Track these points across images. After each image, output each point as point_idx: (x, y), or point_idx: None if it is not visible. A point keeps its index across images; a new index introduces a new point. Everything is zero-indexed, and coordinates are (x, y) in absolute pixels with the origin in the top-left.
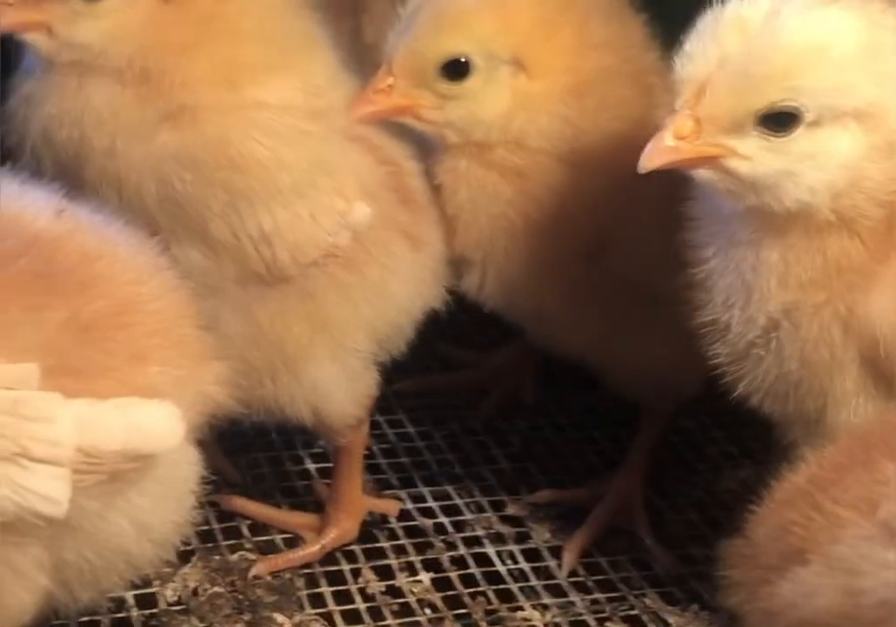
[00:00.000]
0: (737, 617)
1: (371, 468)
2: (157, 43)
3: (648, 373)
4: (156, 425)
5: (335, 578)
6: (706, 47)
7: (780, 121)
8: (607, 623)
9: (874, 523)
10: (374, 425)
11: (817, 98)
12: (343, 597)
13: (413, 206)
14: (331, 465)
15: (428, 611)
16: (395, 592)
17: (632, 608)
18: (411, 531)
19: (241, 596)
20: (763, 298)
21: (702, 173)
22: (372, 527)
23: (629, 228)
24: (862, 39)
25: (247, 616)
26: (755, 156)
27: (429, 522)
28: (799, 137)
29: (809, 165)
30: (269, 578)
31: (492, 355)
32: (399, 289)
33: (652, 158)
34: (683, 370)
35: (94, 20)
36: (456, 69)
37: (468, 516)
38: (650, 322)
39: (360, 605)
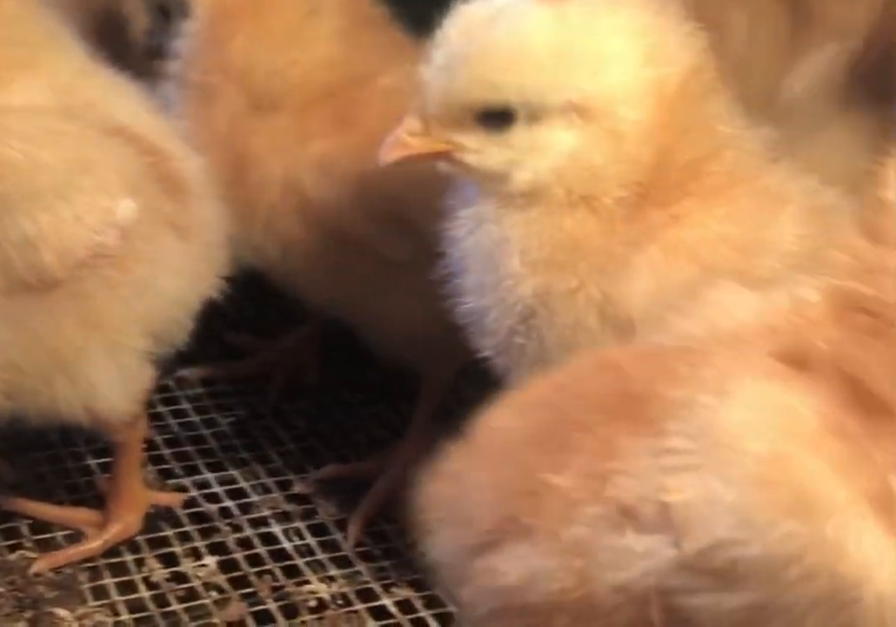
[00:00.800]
0: (445, 582)
1: (154, 459)
2: None
3: (410, 338)
4: None
5: (119, 569)
6: (436, 49)
7: (496, 117)
8: (392, 589)
9: (604, 501)
10: (156, 416)
11: (522, 95)
12: (127, 587)
13: (180, 195)
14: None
15: (214, 593)
16: (180, 578)
17: (417, 571)
18: (196, 518)
19: (21, 594)
20: (513, 279)
21: (441, 165)
22: (156, 517)
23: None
24: (569, 36)
25: (28, 613)
26: (481, 149)
27: (214, 507)
28: (518, 132)
29: (533, 157)
30: (51, 574)
31: (274, 341)
32: (171, 282)
33: (387, 154)
34: (447, 338)
35: None
36: None
37: (254, 498)
38: (406, 291)
39: (145, 594)
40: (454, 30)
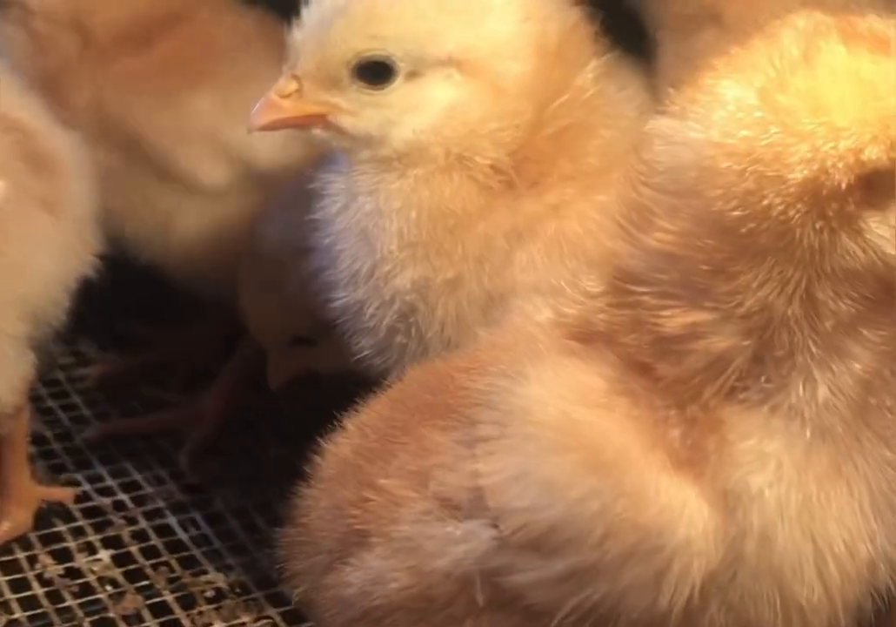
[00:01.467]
0: (308, 608)
1: (45, 454)
2: None
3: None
4: None
5: (10, 567)
6: (309, 9)
7: (374, 73)
8: None
9: (428, 497)
10: (47, 411)
11: (403, 47)
12: (20, 585)
13: (48, 171)
14: None
15: (109, 588)
16: (74, 573)
17: None
18: (90, 512)
19: None
20: (390, 265)
21: (316, 133)
22: (48, 512)
23: None
24: None
25: None
26: (357, 111)
27: (107, 500)
28: (398, 89)
29: (411, 115)
30: None
31: (176, 330)
32: (44, 261)
33: (257, 118)
34: None
35: None
36: None
37: (148, 489)
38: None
39: (38, 590)
40: None
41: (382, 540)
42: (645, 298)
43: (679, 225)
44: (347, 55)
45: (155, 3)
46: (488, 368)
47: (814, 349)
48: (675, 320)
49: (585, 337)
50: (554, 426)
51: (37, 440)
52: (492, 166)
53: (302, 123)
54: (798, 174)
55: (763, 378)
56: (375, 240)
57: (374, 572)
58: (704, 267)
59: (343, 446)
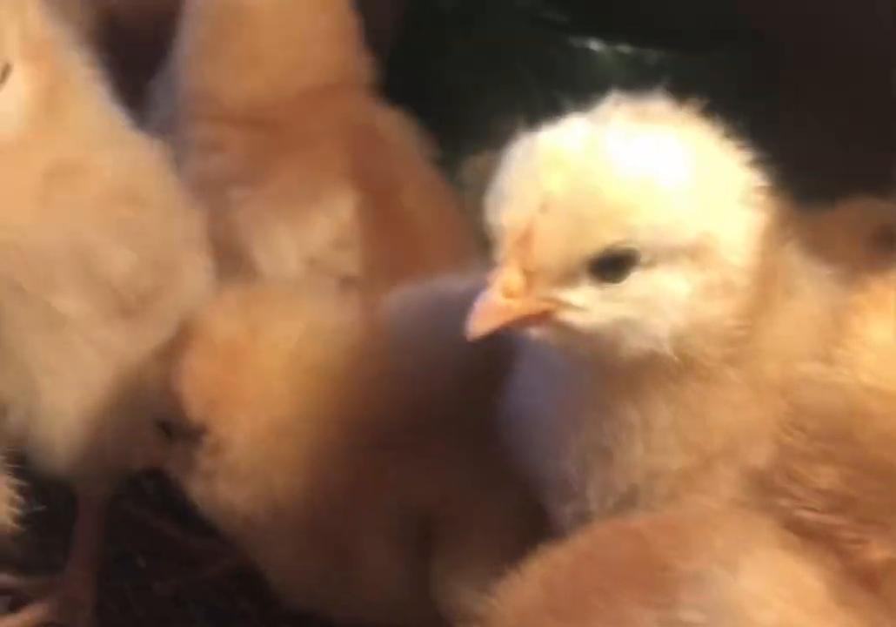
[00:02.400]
0: None
1: None
2: None
3: None
4: None
5: None
6: (524, 187)
7: (614, 265)
8: None
9: None
10: None
11: (654, 236)
12: None
13: None
14: None
15: None
16: None
17: None
18: None
19: None
20: (627, 464)
21: (532, 331)
22: None
23: None
24: (692, 166)
25: None
26: (590, 306)
27: None
28: (634, 281)
29: (647, 310)
30: None
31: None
32: None
33: (483, 322)
34: None
35: None
36: None
37: None
38: None
39: None
40: (546, 164)
41: None
42: (835, 532)
43: (840, 470)
44: (593, 249)
45: None
46: (700, 549)
47: None
48: (874, 554)
49: (803, 532)
50: None
51: None
52: (720, 366)
53: (525, 323)
54: None
55: None
56: (612, 448)
57: None
58: (880, 507)
59: (526, 598)
